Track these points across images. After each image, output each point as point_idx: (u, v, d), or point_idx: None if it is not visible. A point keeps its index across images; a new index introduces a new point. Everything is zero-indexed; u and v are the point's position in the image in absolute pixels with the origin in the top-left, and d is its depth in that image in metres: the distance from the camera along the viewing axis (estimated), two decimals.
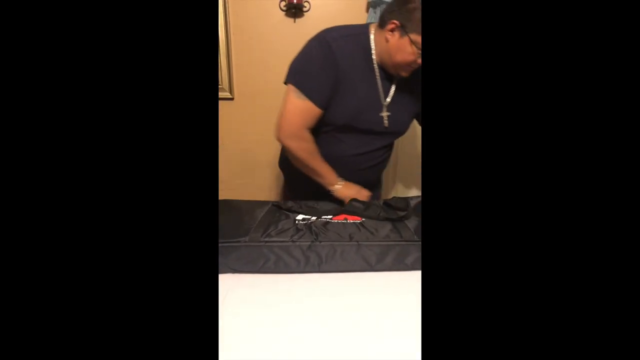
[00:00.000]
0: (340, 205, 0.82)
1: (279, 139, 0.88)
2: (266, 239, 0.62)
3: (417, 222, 0.72)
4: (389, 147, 1.01)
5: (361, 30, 0.85)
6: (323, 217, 0.71)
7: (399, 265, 0.63)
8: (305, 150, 0.87)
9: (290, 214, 0.73)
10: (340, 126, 0.88)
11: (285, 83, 0.85)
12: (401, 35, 0.77)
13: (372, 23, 0.87)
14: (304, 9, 1.51)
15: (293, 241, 0.62)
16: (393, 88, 0.89)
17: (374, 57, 0.84)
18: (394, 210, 0.77)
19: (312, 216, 0.71)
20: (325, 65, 0.80)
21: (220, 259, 0.60)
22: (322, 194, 0.90)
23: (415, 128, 1.06)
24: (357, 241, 0.63)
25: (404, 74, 0.84)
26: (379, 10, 1.46)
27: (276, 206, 0.78)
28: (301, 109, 0.83)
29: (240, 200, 0.83)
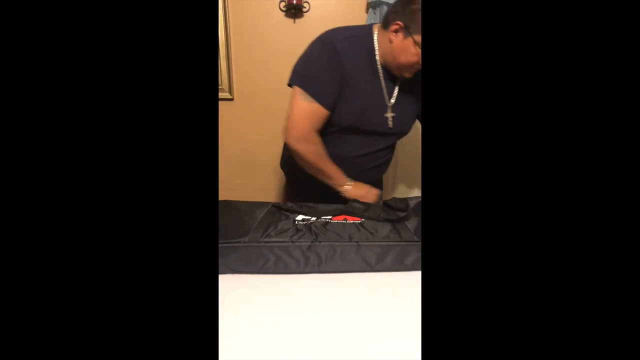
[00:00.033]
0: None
1: (287, 143, 0.87)
2: (266, 240, 0.62)
3: (416, 223, 0.72)
4: (392, 147, 1.01)
5: (365, 32, 0.85)
6: (323, 217, 0.71)
7: (398, 265, 0.63)
8: (314, 152, 0.87)
9: (290, 214, 0.73)
10: (345, 127, 0.88)
11: (290, 85, 0.85)
12: (405, 37, 0.77)
13: (375, 24, 0.87)
14: (304, 10, 1.51)
15: (293, 241, 0.62)
16: (397, 89, 0.89)
17: (377, 58, 0.84)
18: (394, 211, 0.77)
19: (312, 217, 0.71)
20: (331, 66, 0.80)
21: (220, 260, 0.60)
22: (328, 194, 0.90)
23: (416, 129, 1.06)
24: (357, 241, 0.63)
25: (407, 75, 0.84)
26: (378, 11, 1.46)
27: (276, 207, 0.78)
28: (309, 111, 0.82)
29: (239, 201, 0.83)
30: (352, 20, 1.50)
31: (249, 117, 1.69)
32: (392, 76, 0.87)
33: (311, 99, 0.81)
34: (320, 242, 0.62)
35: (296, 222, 0.68)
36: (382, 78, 0.86)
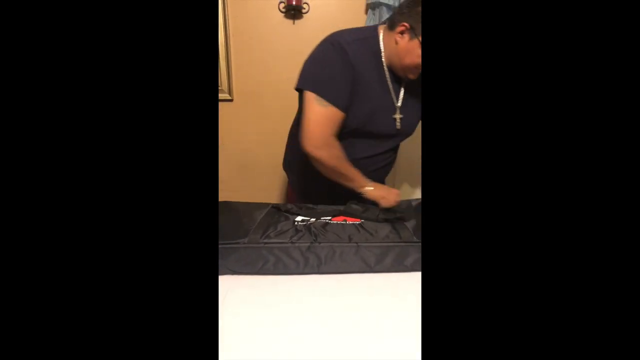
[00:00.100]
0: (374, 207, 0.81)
1: (307, 151, 0.84)
2: (265, 241, 0.62)
3: (416, 223, 0.72)
4: (396, 149, 1.01)
5: (370, 33, 0.85)
6: (322, 218, 0.71)
7: (398, 266, 0.63)
8: (336, 157, 0.85)
9: (290, 215, 0.73)
10: (352, 130, 0.87)
11: (298, 90, 0.84)
12: (411, 38, 0.77)
13: (380, 25, 0.87)
14: (303, 11, 1.51)
15: (292, 242, 0.62)
16: (402, 90, 0.89)
17: (383, 59, 0.85)
18: (393, 212, 0.77)
19: (311, 218, 0.71)
20: (343, 69, 0.79)
21: (220, 261, 0.60)
22: (336, 195, 0.89)
23: (417, 129, 1.06)
24: (357, 242, 0.63)
25: (411, 76, 0.84)
26: (377, 12, 1.46)
27: (275, 208, 0.78)
28: (325, 116, 0.80)
29: (239, 202, 0.83)
30: (352, 21, 1.51)
31: (249, 118, 1.70)
32: (398, 78, 0.87)
33: (326, 103, 0.79)
34: (319, 243, 0.62)
35: (296, 223, 0.68)
36: (388, 80, 0.86)
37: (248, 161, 1.76)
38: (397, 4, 1.43)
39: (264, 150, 1.73)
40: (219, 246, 0.60)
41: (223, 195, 0.73)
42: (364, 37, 0.83)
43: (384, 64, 0.85)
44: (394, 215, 0.74)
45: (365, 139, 0.90)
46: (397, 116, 0.90)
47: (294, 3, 1.46)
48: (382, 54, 0.84)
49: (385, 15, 1.45)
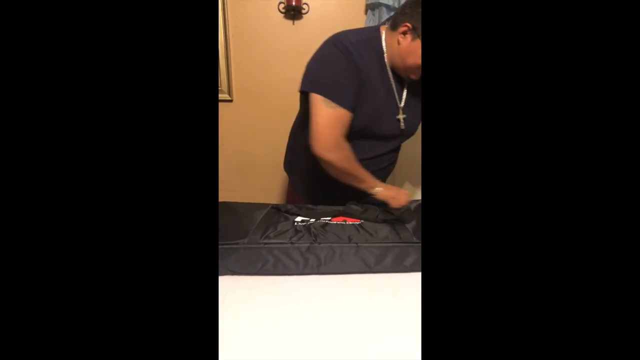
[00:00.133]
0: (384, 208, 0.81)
1: (317, 155, 0.83)
2: (265, 241, 0.62)
3: (415, 224, 0.72)
4: (397, 150, 1.02)
5: (373, 34, 0.84)
6: (322, 219, 0.71)
7: (397, 267, 0.63)
8: (347, 159, 0.85)
9: (289, 215, 0.73)
10: (357, 131, 0.87)
11: (303, 92, 0.83)
12: (413, 38, 0.77)
13: (382, 25, 0.87)
14: (303, 11, 1.52)
15: (292, 243, 0.62)
16: (405, 91, 0.89)
17: (385, 60, 0.85)
18: (393, 212, 0.77)
19: (311, 218, 0.71)
20: (349, 69, 0.79)
21: (219, 261, 0.60)
22: (344, 195, 0.88)
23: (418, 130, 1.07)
24: (356, 243, 0.63)
25: (413, 77, 0.84)
26: (377, 13, 1.46)
27: (275, 208, 0.78)
28: (334, 117, 0.79)
29: (238, 203, 0.83)
30: (351, 21, 1.51)
31: (248, 118, 1.70)
32: (400, 78, 0.87)
33: (334, 105, 0.78)
34: (319, 243, 0.62)
35: (295, 224, 0.68)
36: (391, 80, 0.86)
37: (247, 161, 1.76)
38: (396, 5, 1.43)
39: (264, 151, 1.73)
40: (219, 247, 0.60)
41: (223, 196, 0.73)
42: (367, 38, 0.83)
43: (387, 65, 0.85)
44: (393, 215, 0.74)
45: (368, 140, 0.90)
46: (401, 116, 0.90)
47: (293, 3, 1.46)
48: (385, 55, 0.84)
49: (385, 15, 1.45)
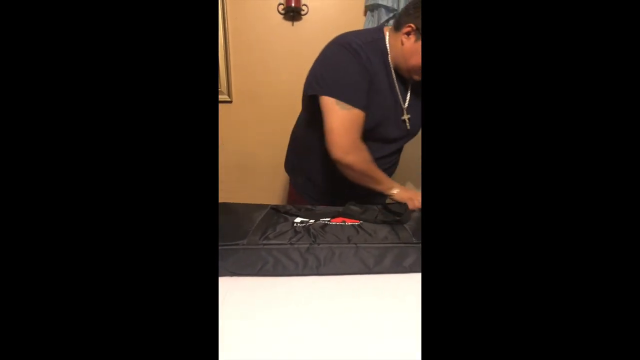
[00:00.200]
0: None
1: (335, 159, 0.82)
2: (264, 242, 0.62)
3: (415, 225, 0.72)
4: (399, 151, 1.02)
5: (378, 35, 0.85)
6: (321, 219, 0.71)
7: (397, 268, 0.63)
8: (365, 160, 0.84)
9: (289, 216, 0.73)
10: (365, 132, 0.86)
11: (311, 95, 0.82)
12: (417, 39, 0.77)
13: (385, 26, 0.87)
14: (302, 13, 1.52)
15: (291, 244, 0.62)
16: (409, 92, 0.90)
17: (389, 61, 0.85)
18: (392, 213, 0.77)
19: (310, 219, 0.71)
20: (359, 70, 0.79)
21: (219, 262, 0.60)
22: (353, 195, 0.87)
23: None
24: (355, 243, 0.63)
25: (416, 77, 0.84)
26: (376, 14, 1.47)
27: (274, 209, 0.78)
28: (350, 119, 0.79)
29: (238, 203, 0.83)
30: (350, 22, 1.51)
31: (248, 119, 1.70)
32: (403, 79, 0.88)
33: (349, 106, 0.77)
34: (318, 244, 0.62)
35: (295, 225, 0.68)
36: (395, 81, 0.87)
37: (247, 162, 1.76)
38: (395, 6, 1.43)
39: (263, 151, 1.73)
40: (218, 247, 0.60)
41: (222, 196, 0.73)
42: (372, 40, 0.83)
43: (391, 65, 0.85)
44: (392, 216, 0.75)
45: (374, 142, 0.90)
46: (406, 117, 0.90)
47: (293, 5, 1.46)
48: (389, 56, 0.84)
49: (384, 16, 1.45)
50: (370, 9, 1.48)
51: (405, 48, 0.80)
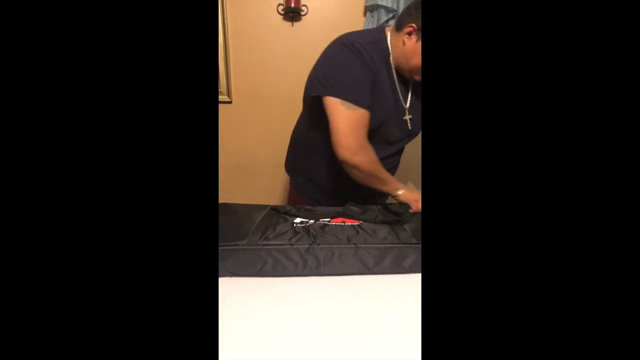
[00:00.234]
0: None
1: (343, 160, 0.81)
2: (264, 242, 0.62)
3: (414, 225, 0.72)
4: (400, 152, 1.02)
5: (379, 36, 0.85)
6: (321, 220, 0.71)
7: (396, 268, 0.63)
8: (372, 160, 0.84)
9: (288, 217, 0.73)
10: (368, 132, 0.86)
11: (314, 96, 0.82)
12: (418, 39, 0.77)
13: (387, 27, 0.87)
14: (302, 13, 1.52)
15: (291, 244, 0.62)
16: (410, 92, 0.90)
17: (391, 61, 0.85)
18: (392, 214, 0.78)
19: (310, 219, 0.71)
20: (364, 71, 0.79)
21: (219, 263, 0.60)
22: (362, 196, 0.87)
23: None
24: (355, 244, 0.63)
25: (417, 77, 0.84)
26: (376, 15, 1.47)
27: (274, 209, 0.78)
28: (356, 119, 0.78)
29: (237, 204, 0.83)
30: (350, 23, 1.51)
31: (247, 119, 1.70)
32: (404, 79, 0.88)
33: (355, 106, 0.77)
34: (318, 244, 0.62)
35: (294, 225, 0.68)
36: (396, 81, 0.87)
37: (247, 163, 1.76)
38: (395, 6, 1.43)
39: (263, 152, 1.73)
40: (218, 248, 0.60)
41: (222, 197, 0.73)
42: (375, 40, 0.83)
43: (392, 66, 0.85)
44: (392, 216, 0.75)
45: (377, 143, 0.89)
46: (407, 117, 0.90)
47: (292, 5, 1.46)
48: (390, 56, 0.84)
49: (384, 17, 1.45)
50: (369, 9, 1.48)
51: (407, 48, 0.80)
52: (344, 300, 0.55)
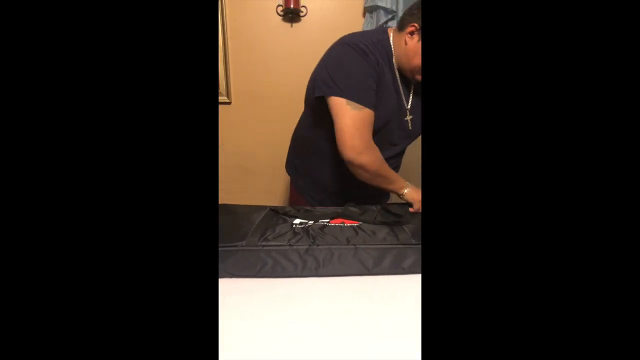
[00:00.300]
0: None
1: (348, 160, 0.81)
2: (263, 243, 0.62)
3: (414, 226, 0.72)
4: (402, 154, 1.02)
5: (382, 36, 0.85)
6: (320, 220, 0.71)
7: (396, 269, 0.63)
8: (378, 160, 0.83)
9: (288, 218, 0.73)
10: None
11: (318, 97, 0.82)
12: (420, 39, 0.78)
13: (389, 27, 0.87)
14: (301, 14, 1.52)
15: (290, 245, 0.62)
16: (411, 92, 0.90)
17: (394, 61, 0.85)
18: (392, 214, 0.78)
19: (309, 220, 0.71)
20: (368, 70, 0.79)
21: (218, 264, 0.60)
22: (367, 196, 0.86)
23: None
24: (355, 244, 0.63)
25: (419, 77, 0.84)
26: (375, 15, 1.47)
27: (273, 210, 0.78)
28: (361, 119, 0.78)
29: (237, 205, 0.83)
30: (349, 24, 1.51)
31: (247, 120, 1.70)
32: (406, 79, 0.88)
33: (360, 106, 0.77)
34: (317, 245, 0.62)
35: (294, 226, 0.69)
36: (399, 81, 0.87)
37: (247, 163, 1.76)
38: (394, 7, 1.43)
39: (263, 152, 1.73)
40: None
41: (222, 197, 0.73)
42: (378, 40, 0.83)
43: (395, 66, 0.85)
44: (391, 218, 0.75)
45: (379, 144, 0.89)
46: (409, 118, 0.90)
47: (291, 6, 1.46)
48: (393, 56, 0.85)
49: (383, 18, 1.46)
50: (369, 10, 1.48)
51: (409, 48, 0.80)
52: (343, 301, 0.55)
